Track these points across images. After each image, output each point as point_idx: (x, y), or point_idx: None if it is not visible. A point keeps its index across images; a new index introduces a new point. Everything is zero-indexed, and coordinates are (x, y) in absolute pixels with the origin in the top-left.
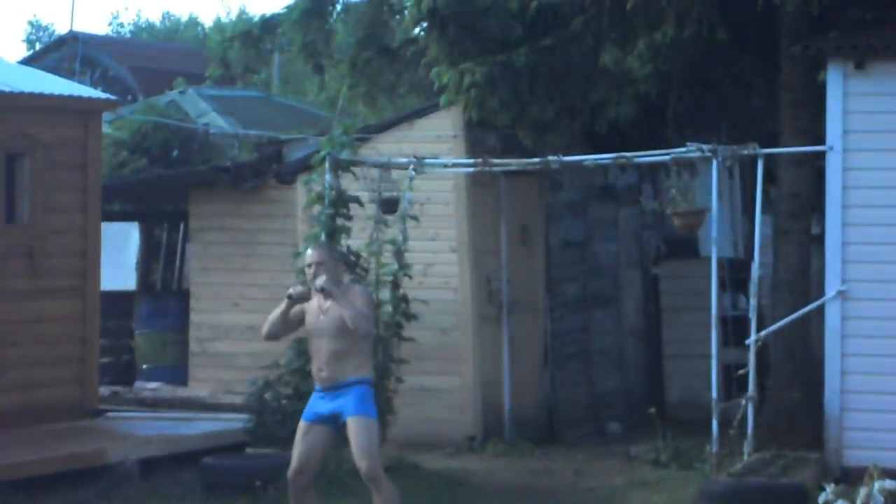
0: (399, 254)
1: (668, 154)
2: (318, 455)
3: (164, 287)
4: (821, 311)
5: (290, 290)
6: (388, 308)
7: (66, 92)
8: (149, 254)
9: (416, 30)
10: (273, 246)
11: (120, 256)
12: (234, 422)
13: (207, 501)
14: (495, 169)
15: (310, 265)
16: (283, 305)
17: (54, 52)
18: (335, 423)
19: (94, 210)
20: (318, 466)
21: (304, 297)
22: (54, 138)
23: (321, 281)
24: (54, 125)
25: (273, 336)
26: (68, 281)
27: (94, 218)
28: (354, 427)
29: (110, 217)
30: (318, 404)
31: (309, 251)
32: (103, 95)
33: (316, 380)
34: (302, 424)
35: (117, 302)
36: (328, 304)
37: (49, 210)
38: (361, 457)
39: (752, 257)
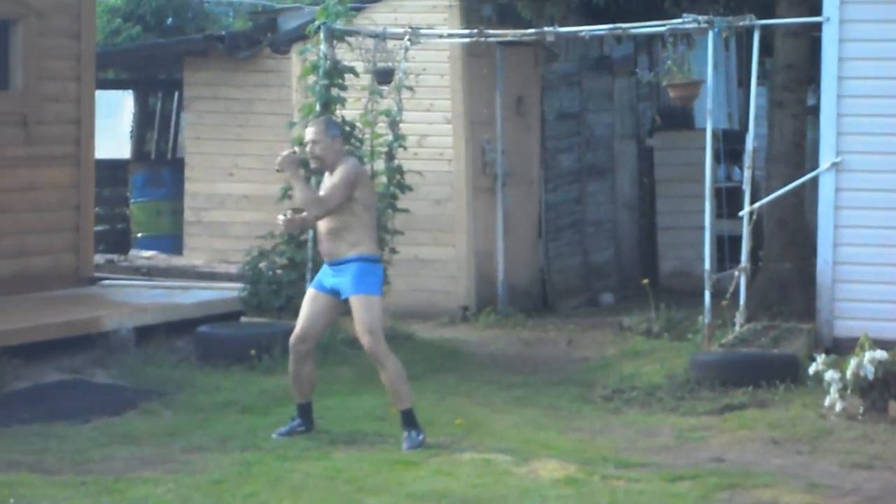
0: (394, 124)
1: (664, 25)
2: (321, 323)
3: (159, 156)
4: (815, 182)
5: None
6: (383, 179)
7: None
8: (143, 123)
9: None
10: (267, 116)
11: (114, 125)
12: (229, 291)
13: (202, 369)
14: (491, 39)
15: (307, 142)
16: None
17: None
18: (337, 296)
19: (88, 78)
20: (320, 334)
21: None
22: (48, 5)
23: (281, 162)
24: None
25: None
26: (62, 148)
27: (88, 86)
28: (354, 305)
29: (104, 85)
30: (325, 274)
31: (308, 127)
32: None
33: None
34: (309, 291)
35: (112, 170)
36: (325, 181)
37: (43, 77)
38: (362, 334)
39: (746, 129)
